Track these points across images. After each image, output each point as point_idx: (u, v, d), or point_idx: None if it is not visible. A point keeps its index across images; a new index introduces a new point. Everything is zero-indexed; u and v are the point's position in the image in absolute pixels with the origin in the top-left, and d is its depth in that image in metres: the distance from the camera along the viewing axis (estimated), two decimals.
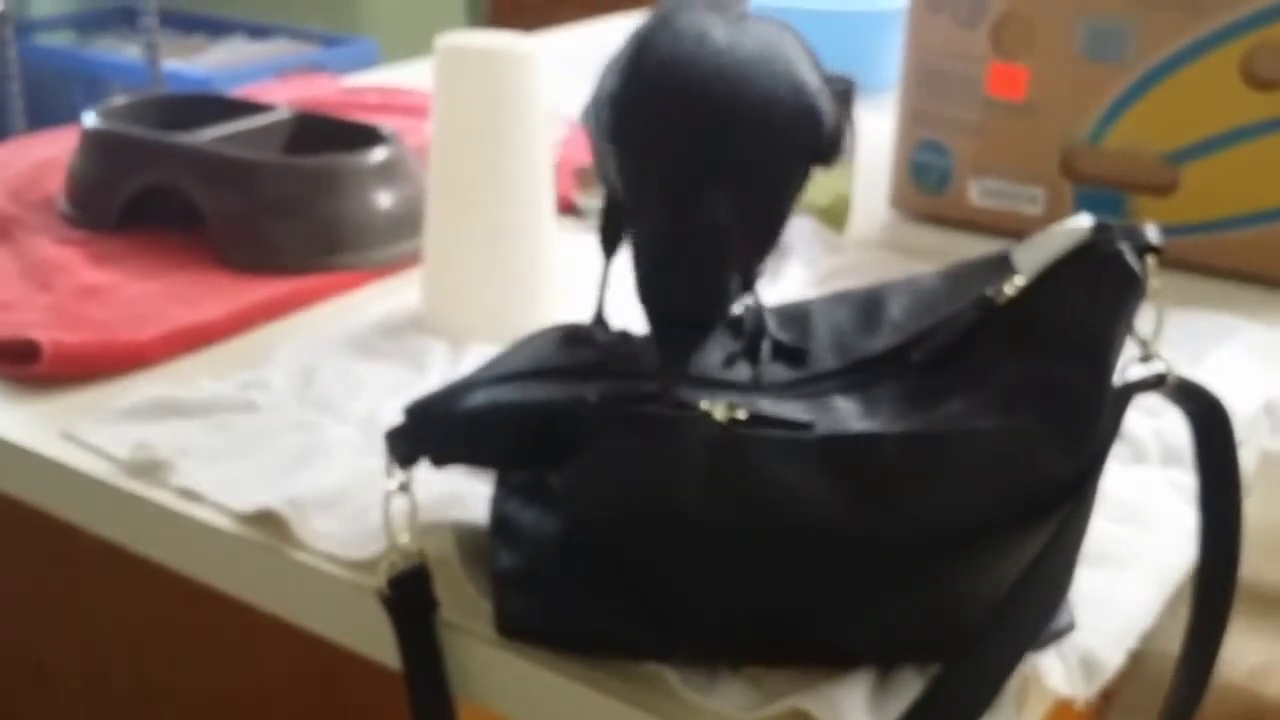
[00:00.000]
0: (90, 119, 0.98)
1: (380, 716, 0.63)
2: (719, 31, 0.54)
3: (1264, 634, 1.54)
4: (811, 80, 0.55)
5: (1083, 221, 0.53)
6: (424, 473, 0.59)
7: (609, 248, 0.63)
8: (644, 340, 0.57)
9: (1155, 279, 0.52)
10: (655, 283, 0.52)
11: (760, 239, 0.56)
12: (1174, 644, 0.61)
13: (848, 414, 0.53)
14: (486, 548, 0.58)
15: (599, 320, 0.62)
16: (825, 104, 0.55)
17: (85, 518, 0.68)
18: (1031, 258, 0.53)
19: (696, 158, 0.52)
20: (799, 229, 0.95)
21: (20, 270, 0.88)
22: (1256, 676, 1.11)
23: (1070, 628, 0.56)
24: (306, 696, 0.66)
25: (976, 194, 0.98)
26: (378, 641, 0.58)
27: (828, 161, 0.56)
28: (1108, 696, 0.87)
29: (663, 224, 0.52)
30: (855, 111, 0.91)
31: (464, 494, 0.61)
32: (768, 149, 0.53)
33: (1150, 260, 0.52)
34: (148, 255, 0.91)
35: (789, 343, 0.57)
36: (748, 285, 0.58)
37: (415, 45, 0.76)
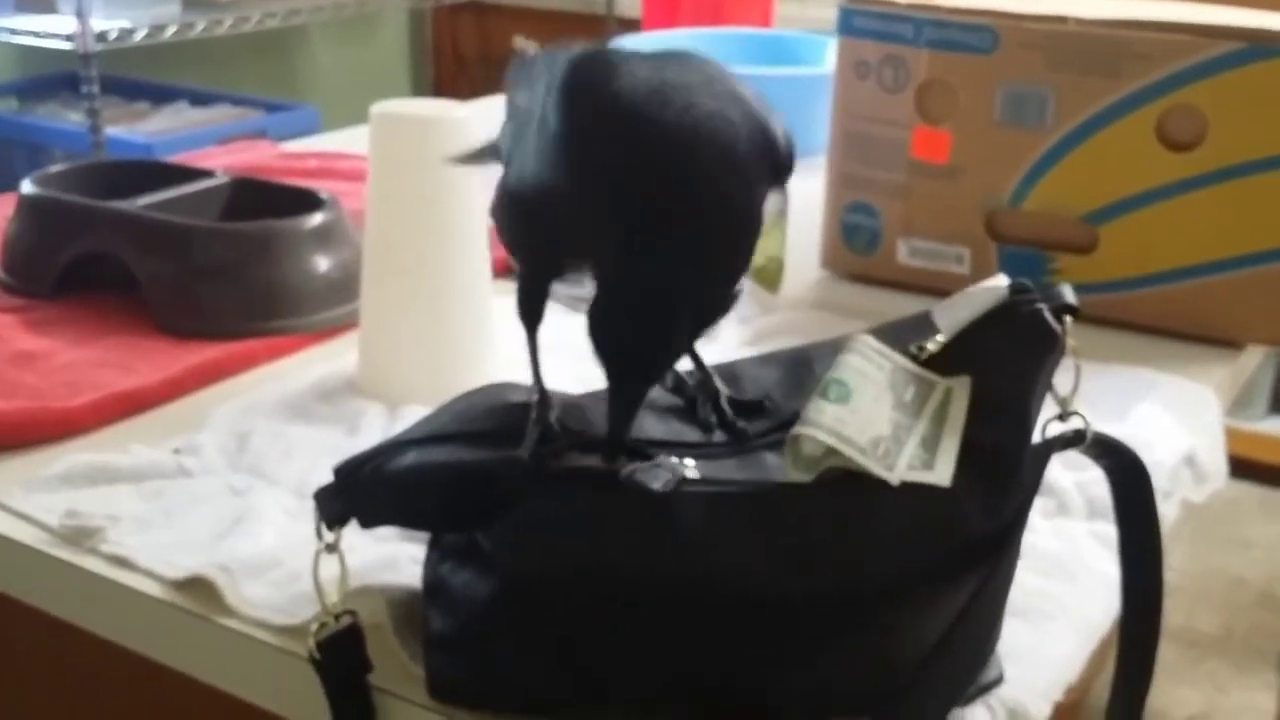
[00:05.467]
0: (26, 186, 0.98)
1: None
2: (652, 66, 0.53)
3: (1199, 682, 1.56)
4: (756, 100, 0.54)
5: (1000, 282, 0.55)
6: (359, 538, 0.59)
7: (530, 322, 0.60)
8: (575, 400, 0.57)
9: (1072, 338, 0.54)
10: (606, 326, 0.50)
11: (719, 283, 0.53)
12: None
13: (777, 470, 0.53)
14: (420, 612, 0.58)
15: (539, 390, 0.58)
16: (774, 120, 0.54)
17: (16, 587, 0.67)
18: (951, 317, 0.54)
19: (656, 201, 0.50)
20: None
21: None
22: None
23: (999, 680, 0.57)
24: None
25: (905, 254, 1.00)
26: (310, 709, 0.58)
27: (784, 178, 0.54)
28: None
29: (617, 269, 0.50)
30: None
31: (398, 559, 0.61)
32: (732, 183, 0.51)
33: (1068, 320, 0.54)
34: (83, 322, 0.90)
35: (740, 397, 0.57)
36: (698, 334, 0.54)
37: (358, 112, 0.77)
